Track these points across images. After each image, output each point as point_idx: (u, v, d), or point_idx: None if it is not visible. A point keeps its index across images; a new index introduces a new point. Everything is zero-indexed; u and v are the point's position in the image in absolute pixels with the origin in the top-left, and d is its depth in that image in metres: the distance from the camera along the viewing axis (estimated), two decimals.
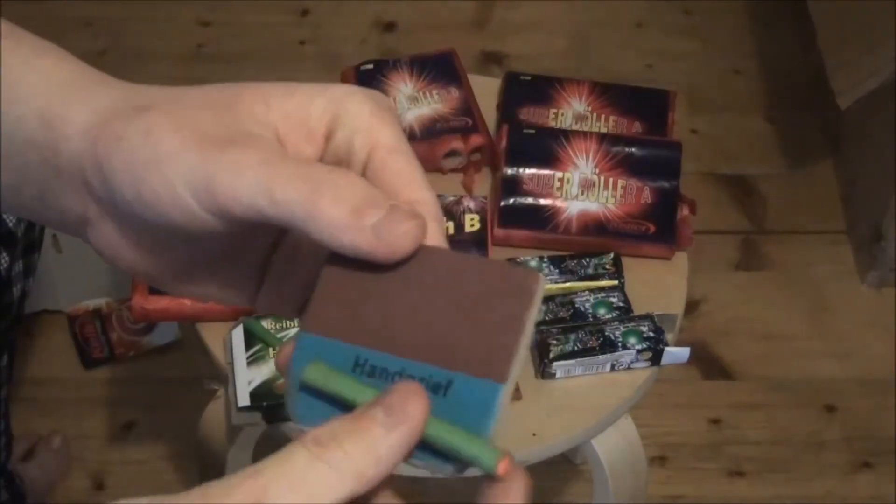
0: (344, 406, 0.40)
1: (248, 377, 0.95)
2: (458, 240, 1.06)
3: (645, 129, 1.15)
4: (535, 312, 0.39)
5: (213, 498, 0.36)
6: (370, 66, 1.19)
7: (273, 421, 0.95)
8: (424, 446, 0.39)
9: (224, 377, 0.99)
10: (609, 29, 2.06)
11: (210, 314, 1.01)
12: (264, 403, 0.94)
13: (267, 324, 0.98)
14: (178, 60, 1.98)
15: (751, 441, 1.57)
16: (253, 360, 0.96)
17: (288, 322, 0.98)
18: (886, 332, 1.67)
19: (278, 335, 0.97)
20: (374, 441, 0.37)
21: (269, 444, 1.29)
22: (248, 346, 0.97)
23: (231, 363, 0.97)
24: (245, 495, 0.35)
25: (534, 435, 0.97)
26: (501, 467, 0.38)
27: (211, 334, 1.02)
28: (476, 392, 0.39)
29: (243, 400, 0.94)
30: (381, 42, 2.01)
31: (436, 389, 0.40)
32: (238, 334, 0.98)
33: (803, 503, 1.51)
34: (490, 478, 0.38)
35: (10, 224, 1.06)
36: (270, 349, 0.96)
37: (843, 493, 1.52)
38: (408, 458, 0.39)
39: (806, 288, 1.73)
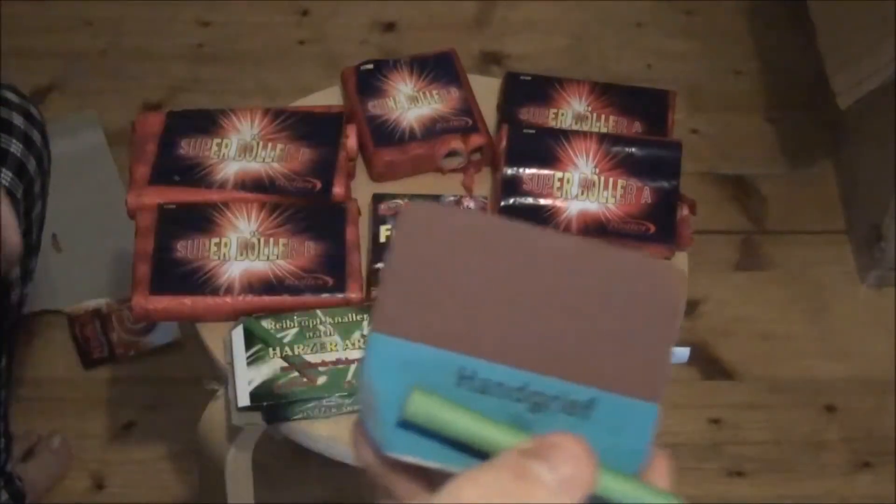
0: (456, 442, 0.31)
1: (248, 377, 0.95)
2: None
3: (645, 129, 1.15)
4: (681, 304, 0.33)
5: None
6: (370, 66, 1.19)
7: (273, 421, 0.95)
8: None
9: (224, 377, 0.99)
10: (609, 29, 2.06)
11: (210, 314, 1.01)
12: (264, 403, 0.94)
13: (267, 324, 0.98)
14: (178, 60, 1.98)
15: (751, 441, 1.57)
16: (253, 360, 0.96)
17: (288, 322, 0.98)
18: (886, 332, 1.67)
19: (278, 335, 0.97)
20: None
21: (270, 445, 1.29)
22: (248, 346, 0.97)
23: (231, 363, 0.97)
24: None
25: None
26: None
27: (211, 334, 1.02)
28: (628, 415, 0.32)
29: (243, 400, 0.94)
30: (381, 42, 2.01)
31: (571, 410, 0.32)
32: (238, 334, 0.97)
33: (803, 503, 1.51)
34: None
35: None
36: (270, 349, 0.96)
37: (843, 493, 1.52)
38: None
39: (806, 288, 1.73)
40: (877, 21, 1.56)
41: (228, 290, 1.00)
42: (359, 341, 0.97)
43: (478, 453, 0.31)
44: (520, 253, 0.31)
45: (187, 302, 1.00)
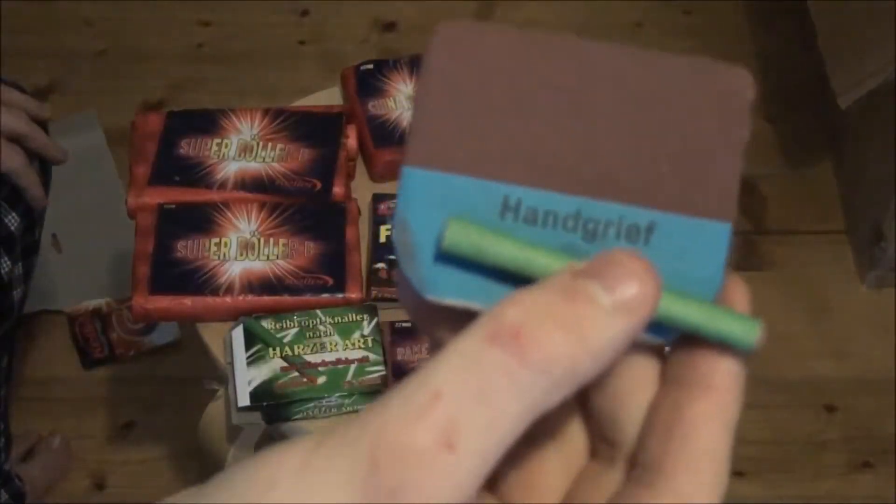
0: (503, 274, 0.28)
1: (248, 377, 0.95)
2: None
3: None
4: (750, 125, 0.29)
5: (393, 434, 0.25)
6: (370, 66, 1.19)
7: (273, 421, 0.95)
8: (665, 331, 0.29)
9: (224, 377, 0.99)
10: (609, 29, 2.06)
11: (210, 314, 1.01)
12: (264, 403, 0.94)
13: (267, 324, 0.98)
14: (178, 60, 1.98)
15: (751, 441, 1.57)
16: (253, 360, 0.96)
17: (288, 322, 0.98)
18: (886, 332, 1.67)
19: (278, 335, 0.97)
20: (593, 328, 0.26)
21: (270, 445, 1.29)
22: (248, 346, 0.97)
23: (231, 363, 0.97)
24: (430, 427, 0.25)
25: None
26: (759, 342, 0.29)
27: (211, 334, 1.02)
28: (695, 237, 0.30)
29: (243, 400, 0.94)
30: (381, 42, 2.01)
31: (631, 236, 0.29)
32: (238, 334, 0.98)
33: (803, 503, 1.51)
34: (739, 352, 0.29)
35: (12, 227, 1.06)
36: (270, 349, 0.96)
37: (843, 493, 1.52)
38: None
39: (806, 288, 1.73)
40: (877, 21, 1.56)
41: (228, 290, 1.00)
42: (359, 341, 0.97)
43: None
44: (566, 68, 0.28)
45: (187, 302, 1.00)
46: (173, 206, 1.05)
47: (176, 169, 1.08)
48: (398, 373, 0.97)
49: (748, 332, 0.28)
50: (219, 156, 1.08)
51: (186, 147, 1.09)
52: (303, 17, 2.06)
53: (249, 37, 2.02)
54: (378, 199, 1.09)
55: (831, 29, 1.69)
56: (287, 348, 0.96)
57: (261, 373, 0.95)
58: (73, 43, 1.99)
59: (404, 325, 1.01)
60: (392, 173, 1.13)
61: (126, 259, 1.04)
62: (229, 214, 1.04)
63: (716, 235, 0.31)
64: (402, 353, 0.98)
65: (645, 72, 0.29)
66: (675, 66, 0.30)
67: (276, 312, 0.99)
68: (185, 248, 1.03)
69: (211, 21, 2.04)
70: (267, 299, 1.00)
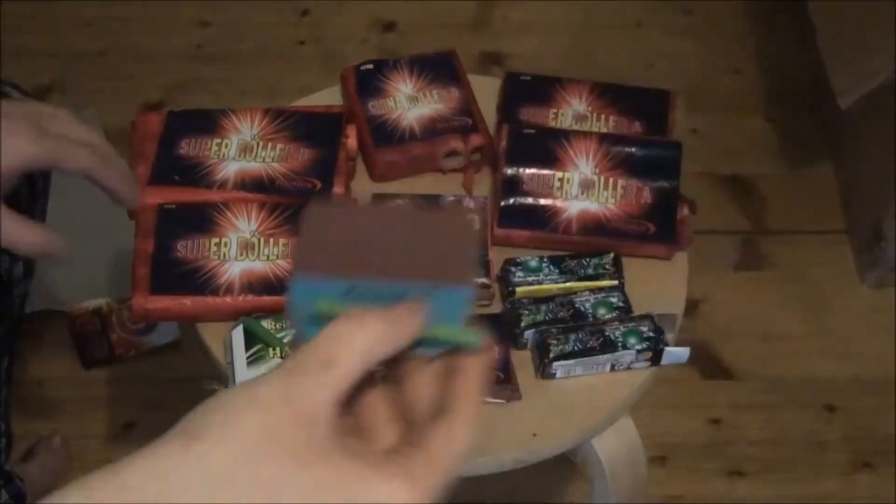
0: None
1: (247, 377, 0.95)
2: None
3: (645, 129, 1.15)
4: (477, 233, 0.57)
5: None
6: (370, 66, 1.19)
7: None
8: (422, 342, 0.52)
9: (224, 377, 0.99)
10: (609, 29, 2.06)
11: (210, 314, 1.01)
12: None
13: (267, 324, 0.98)
14: (178, 60, 1.98)
15: (751, 441, 1.57)
16: (253, 360, 0.96)
17: (288, 322, 0.97)
18: (886, 332, 1.67)
19: (278, 335, 0.97)
20: (401, 330, 0.51)
21: None
22: (248, 346, 0.97)
23: (231, 363, 0.97)
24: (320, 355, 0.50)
25: (534, 435, 0.97)
26: (485, 343, 0.53)
27: (211, 334, 1.02)
28: (451, 295, 0.52)
29: None
30: (381, 42, 2.02)
31: (420, 297, 0.52)
32: (238, 334, 0.98)
33: (803, 503, 1.51)
34: (473, 351, 0.53)
35: None
36: (270, 349, 0.96)
37: (843, 493, 1.52)
38: (412, 349, 0.52)
39: (806, 288, 1.73)
40: (877, 21, 1.56)
41: (228, 290, 1.00)
42: None
43: None
44: (378, 221, 0.53)
45: (187, 302, 1.00)
46: (173, 206, 1.05)
47: (176, 169, 1.08)
48: None
49: (477, 340, 0.52)
50: (219, 156, 1.09)
51: (186, 147, 1.09)
52: (303, 17, 2.06)
53: (249, 37, 2.03)
54: (377, 198, 1.09)
55: (831, 29, 1.69)
56: (287, 348, 0.96)
57: (261, 373, 0.95)
58: (73, 43, 1.99)
59: None
60: (392, 173, 1.13)
61: (126, 259, 1.04)
62: (229, 215, 1.04)
63: (463, 293, 0.52)
64: None
65: (420, 214, 0.54)
66: (440, 213, 0.56)
67: (276, 312, 0.99)
68: (185, 248, 1.03)
69: (211, 21, 2.04)
70: (267, 299, 1.00)
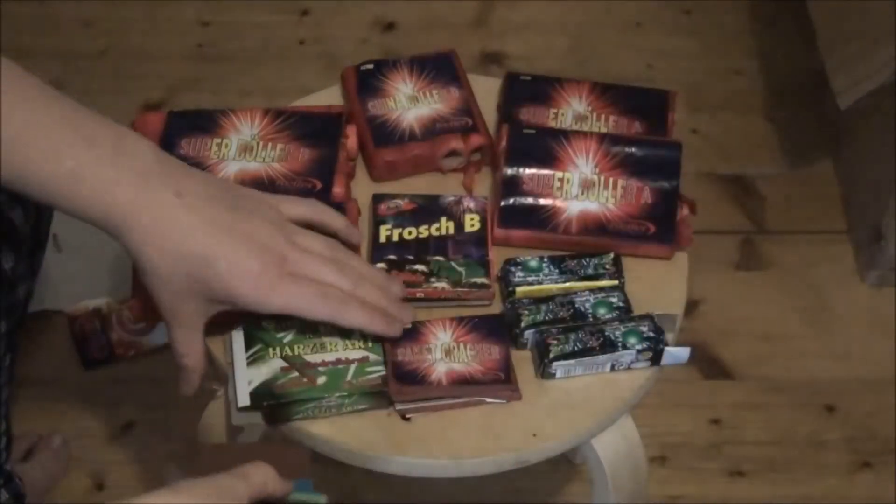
0: None
1: (248, 377, 0.95)
2: (459, 239, 1.06)
3: (645, 129, 1.15)
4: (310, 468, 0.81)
5: None
6: (370, 66, 1.19)
7: (273, 421, 0.95)
8: None
9: (224, 377, 0.99)
10: (609, 29, 2.06)
11: None
12: (264, 403, 0.94)
13: (267, 324, 0.98)
14: (178, 60, 1.98)
15: (751, 441, 1.57)
16: (253, 361, 0.96)
17: (288, 322, 0.97)
18: (886, 332, 1.67)
19: (278, 335, 0.97)
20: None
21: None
22: (249, 346, 0.97)
23: (231, 363, 0.97)
24: None
25: (534, 435, 0.97)
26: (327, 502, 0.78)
27: (211, 334, 1.01)
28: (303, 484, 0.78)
29: (243, 400, 0.94)
30: (381, 42, 2.02)
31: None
32: (238, 334, 0.98)
33: (803, 503, 1.51)
34: None
35: (17, 222, 1.05)
36: (270, 349, 0.96)
37: (843, 493, 1.52)
38: None
39: (806, 288, 1.73)
40: (877, 21, 1.56)
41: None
42: (358, 341, 0.97)
43: None
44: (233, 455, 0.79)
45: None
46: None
47: None
48: (399, 373, 0.97)
49: (322, 499, 0.79)
50: (219, 156, 1.09)
51: (186, 147, 1.09)
52: (303, 17, 2.06)
53: (249, 37, 2.03)
54: (378, 199, 1.09)
55: (831, 29, 1.69)
56: (287, 348, 0.96)
57: (261, 373, 0.95)
58: (73, 43, 1.99)
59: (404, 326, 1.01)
60: (392, 173, 1.13)
61: (126, 259, 1.03)
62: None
63: (307, 485, 0.79)
64: (403, 353, 0.98)
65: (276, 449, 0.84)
66: (276, 452, 0.81)
67: None
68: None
69: (211, 21, 2.04)
70: None
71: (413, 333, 1.00)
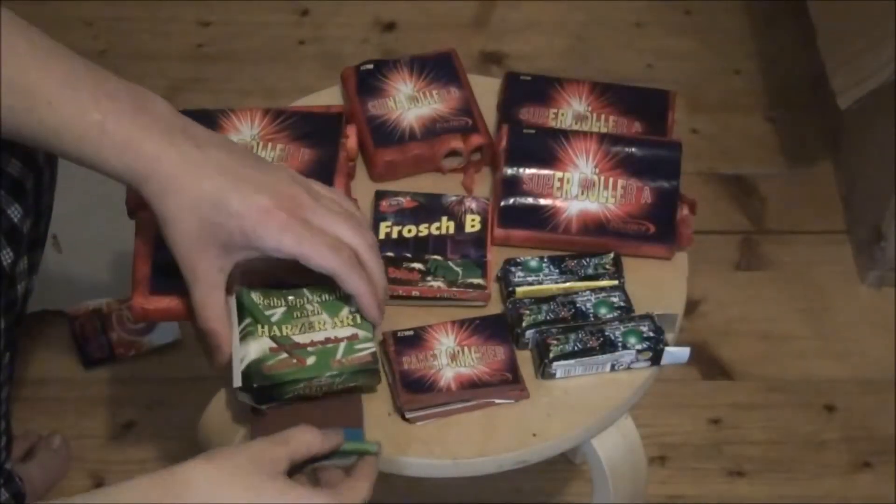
0: None
1: (240, 354, 0.93)
2: (458, 239, 1.06)
3: (645, 129, 1.15)
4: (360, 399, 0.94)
5: None
6: (370, 66, 1.19)
7: (263, 402, 0.92)
8: (341, 454, 0.86)
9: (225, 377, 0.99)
10: (609, 29, 2.06)
11: None
12: (254, 385, 0.92)
13: (256, 297, 0.96)
14: (178, 60, 1.98)
15: (751, 441, 1.57)
16: (244, 336, 0.94)
17: (276, 300, 0.96)
18: (886, 332, 1.67)
19: (266, 312, 0.95)
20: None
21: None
22: (240, 318, 0.95)
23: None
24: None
25: (534, 435, 0.97)
26: (379, 448, 0.87)
27: None
28: (355, 431, 0.88)
29: (236, 380, 0.92)
30: (381, 42, 2.01)
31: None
32: (232, 303, 0.95)
33: (803, 503, 1.51)
34: (370, 455, 0.87)
35: (16, 219, 1.05)
36: (259, 326, 0.94)
37: (843, 493, 1.52)
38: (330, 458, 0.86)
39: (806, 288, 1.73)
40: (877, 21, 1.56)
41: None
42: (347, 318, 0.95)
43: None
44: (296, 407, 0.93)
45: (187, 302, 1.00)
46: None
47: None
48: (406, 382, 0.97)
49: (374, 447, 0.88)
50: None
51: None
52: (303, 17, 2.06)
53: (249, 37, 2.03)
54: (380, 195, 1.09)
55: (831, 29, 1.69)
56: (275, 328, 0.94)
57: (250, 351, 0.93)
58: (73, 43, 1.96)
59: (406, 333, 1.00)
60: (392, 173, 1.13)
61: (126, 259, 1.04)
62: None
63: (360, 433, 0.90)
64: (408, 362, 0.98)
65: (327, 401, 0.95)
66: (333, 406, 0.95)
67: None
68: None
69: (211, 21, 2.04)
70: None
71: (416, 340, 0.99)
